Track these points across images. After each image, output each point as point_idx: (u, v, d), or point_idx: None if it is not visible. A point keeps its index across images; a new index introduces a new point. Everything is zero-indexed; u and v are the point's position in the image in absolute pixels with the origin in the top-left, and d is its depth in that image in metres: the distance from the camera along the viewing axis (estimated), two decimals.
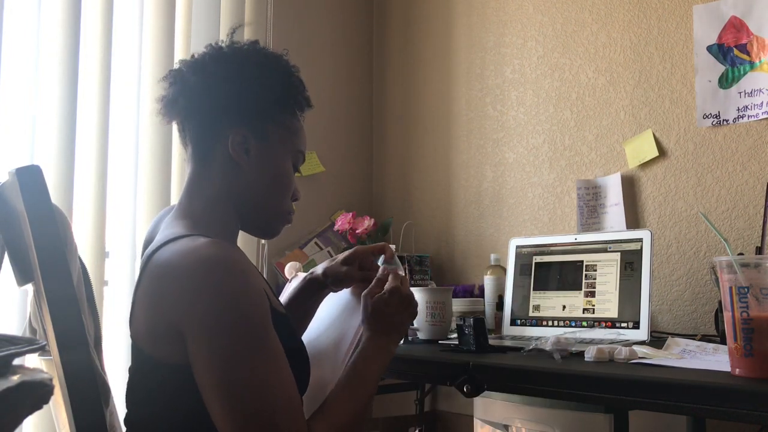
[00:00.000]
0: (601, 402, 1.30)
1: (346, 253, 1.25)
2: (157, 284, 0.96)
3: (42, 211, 0.90)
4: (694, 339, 1.41)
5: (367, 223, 2.26)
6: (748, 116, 1.71)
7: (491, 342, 1.45)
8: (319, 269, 1.26)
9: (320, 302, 1.29)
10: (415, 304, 1.17)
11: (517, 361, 1.27)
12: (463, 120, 2.35)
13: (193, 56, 1.08)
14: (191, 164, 1.07)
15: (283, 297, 1.28)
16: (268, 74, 1.07)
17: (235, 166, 1.05)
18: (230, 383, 0.89)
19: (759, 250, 1.46)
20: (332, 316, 1.26)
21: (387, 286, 1.14)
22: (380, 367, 1.08)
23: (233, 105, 1.04)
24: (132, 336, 1.02)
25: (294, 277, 1.37)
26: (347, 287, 1.26)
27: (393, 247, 1.27)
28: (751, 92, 1.71)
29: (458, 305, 1.76)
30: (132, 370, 1.02)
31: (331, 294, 1.28)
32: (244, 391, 0.89)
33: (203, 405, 0.91)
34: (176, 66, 1.09)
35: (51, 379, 0.63)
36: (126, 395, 1.03)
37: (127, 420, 1.02)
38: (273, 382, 0.91)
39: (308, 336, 1.26)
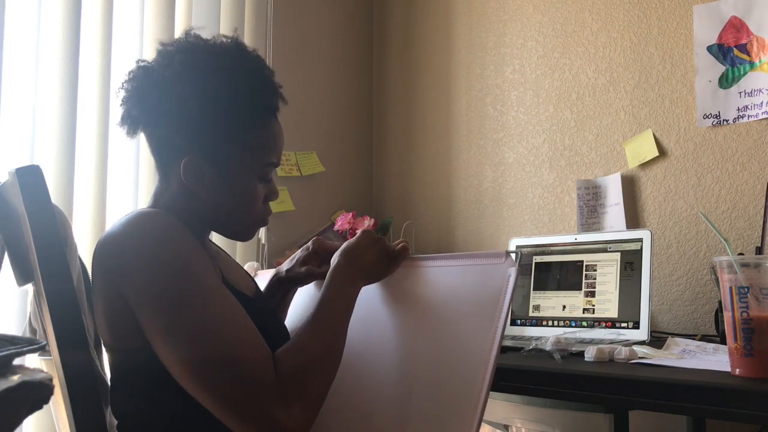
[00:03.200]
0: (601, 402, 1.30)
1: (303, 252, 1.23)
2: (101, 262, 0.97)
3: (42, 211, 0.90)
4: (694, 339, 1.41)
5: (367, 223, 2.26)
6: (748, 116, 1.71)
7: None
8: (283, 269, 1.25)
9: (291, 298, 1.28)
10: (384, 243, 1.11)
11: (517, 361, 1.27)
12: (463, 120, 2.35)
13: (146, 66, 1.02)
14: (157, 172, 1.06)
15: None
16: (220, 95, 0.99)
17: (192, 192, 1.02)
18: (178, 331, 0.88)
19: (759, 250, 1.46)
20: (304, 309, 1.25)
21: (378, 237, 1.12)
22: (346, 300, 1.04)
23: (183, 135, 0.99)
24: (102, 340, 1.01)
25: (254, 277, 1.37)
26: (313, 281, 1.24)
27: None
28: (751, 92, 1.71)
29: None
30: (111, 378, 1.01)
31: (301, 288, 1.28)
32: (195, 335, 0.88)
33: (176, 384, 0.91)
34: (131, 71, 1.03)
35: (51, 379, 0.63)
36: (111, 405, 1.01)
37: (120, 428, 1.01)
38: (223, 318, 0.90)
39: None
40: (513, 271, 0.98)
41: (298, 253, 1.24)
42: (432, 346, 1.05)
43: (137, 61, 1.04)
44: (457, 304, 1.04)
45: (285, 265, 1.25)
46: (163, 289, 0.90)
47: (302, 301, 1.28)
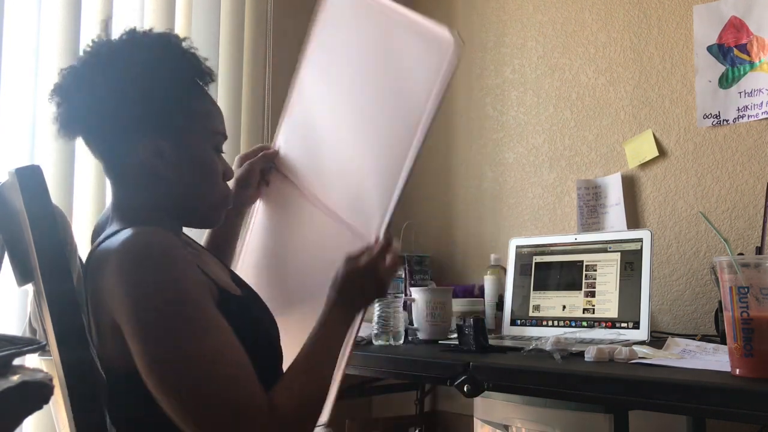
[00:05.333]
0: (601, 402, 1.30)
1: (239, 174, 1.27)
2: (93, 278, 0.94)
3: (42, 211, 0.90)
4: (694, 339, 1.41)
5: None
6: (748, 116, 1.71)
7: (491, 342, 1.45)
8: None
9: (237, 228, 1.31)
10: (388, 283, 1.10)
11: (517, 361, 1.27)
12: (463, 120, 2.35)
13: (72, 67, 1.00)
14: (109, 179, 1.04)
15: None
16: (158, 66, 0.99)
17: (154, 175, 1.00)
18: (167, 363, 0.86)
19: (759, 250, 1.46)
20: (312, 244, 1.24)
21: (367, 257, 1.06)
22: (340, 336, 1.03)
23: (131, 116, 0.98)
24: (97, 351, 0.99)
25: None
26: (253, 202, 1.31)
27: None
28: (751, 92, 1.71)
29: (458, 305, 1.76)
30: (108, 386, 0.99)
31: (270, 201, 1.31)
32: (186, 370, 0.86)
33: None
34: (58, 80, 1.00)
35: (51, 379, 0.63)
36: (108, 412, 0.98)
37: None
38: (216, 351, 0.87)
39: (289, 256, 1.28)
40: (456, 55, 0.99)
41: (235, 177, 1.28)
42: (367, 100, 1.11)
43: (60, 71, 1.02)
44: (394, 63, 1.09)
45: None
46: (156, 319, 0.87)
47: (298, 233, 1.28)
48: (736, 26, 1.74)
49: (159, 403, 0.87)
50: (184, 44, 1.04)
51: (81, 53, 1.03)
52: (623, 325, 1.53)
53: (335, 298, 1.05)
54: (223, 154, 1.09)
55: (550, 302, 1.67)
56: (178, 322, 0.88)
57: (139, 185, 1.01)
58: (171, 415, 0.87)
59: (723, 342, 1.34)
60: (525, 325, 1.69)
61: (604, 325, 1.56)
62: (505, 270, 1.80)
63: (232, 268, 1.28)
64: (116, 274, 0.90)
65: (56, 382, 0.79)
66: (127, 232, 0.93)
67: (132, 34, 1.03)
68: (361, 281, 1.06)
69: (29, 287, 1.05)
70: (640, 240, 1.56)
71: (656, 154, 1.86)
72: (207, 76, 1.06)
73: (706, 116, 1.77)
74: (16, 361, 0.67)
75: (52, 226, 0.90)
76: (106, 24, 1.06)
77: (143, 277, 0.89)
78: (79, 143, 1.78)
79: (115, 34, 1.04)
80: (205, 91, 1.07)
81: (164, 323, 0.87)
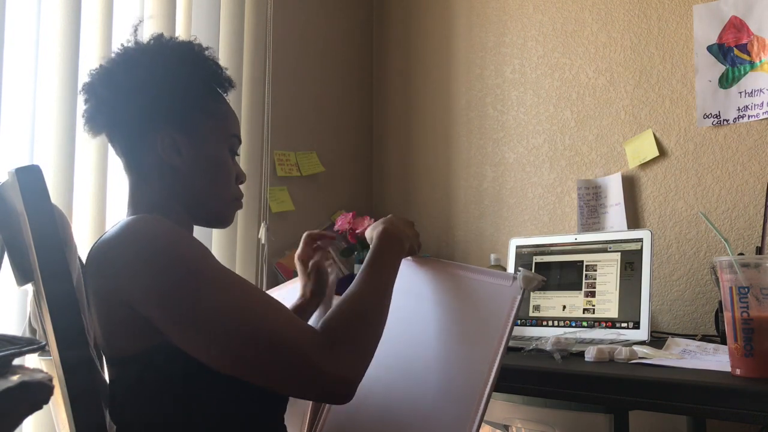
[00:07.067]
0: (601, 402, 1.30)
1: (301, 272, 1.32)
2: (98, 270, 0.95)
3: (42, 211, 0.90)
4: (694, 339, 1.41)
5: (367, 223, 2.26)
6: (749, 116, 1.71)
7: None
8: (305, 292, 1.32)
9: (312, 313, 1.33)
10: (417, 236, 1.21)
11: (517, 361, 1.27)
12: (463, 120, 2.35)
13: (101, 66, 1.05)
14: (128, 175, 1.07)
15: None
16: (181, 67, 1.05)
17: (171, 168, 1.03)
18: (203, 319, 0.88)
19: (759, 250, 1.46)
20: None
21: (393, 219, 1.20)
22: (389, 264, 1.09)
23: (152, 109, 1.02)
24: (99, 346, 1.00)
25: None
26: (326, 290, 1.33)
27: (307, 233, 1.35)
28: (752, 92, 1.71)
29: None
30: (110, 386, 1.00)
31: None
32: (222, 318, 0.88)
33: (180, 389, 0.92)
34: (87, 79, 1.06)
35: (51, 379, 0.63)
36: (110, 412, 1.00)
37: None
38: (244, 296, 0.91)
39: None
40: (518, 297, 1.04)
41: (299, 280, 1.32)
42: (439, 351, 1.10)
43: (90, 73, 1.06)
44: (466, 314, 1.11)
45: (300, 291, 1.32)
46: (176, 283, 0.89)
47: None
48: (737, 26, 1.74)
49: (210, 365, 0.90)
50: (206, 53, 1.09)
51: (112, 55, 1.08)
52: (623, 325, 1.53)
53: (377, 232, 1.12)
54: (237, 157, 1.13)
55: (550, 302, 1.67)
56: (199, 280, 0.90)
57: (155, 179, 1.04)
58: (226, 371, 0.90)
59: (723, 342, 1.34)
60: (525, 325, 1.69)
61: (604, 325, 1.56)
62: (505, 270, 1.80)
63: None
64: (121, 258, 0.91)
65: (56, 382, 0.79)
66: (122, 221, 0.95)
67: (159, 38, 1.08)
68: (406, 226, 1.17)
69: (29, 287, 1.05)
70: (640, 240, 1.56)
71: (656, 154, 1.86)
72: (226, 82, 1.10)
73: (706, 116, 1.77)
74: (16, 361, 0.67)
75: (52, 226, 0.90)
76: (136, 28, 1.10)
77: (149, 253, 0.90)
78: (81, 144, 1.79)
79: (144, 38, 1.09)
80: (223, 97, 1.11)
81: (186, 286, 0.89)
